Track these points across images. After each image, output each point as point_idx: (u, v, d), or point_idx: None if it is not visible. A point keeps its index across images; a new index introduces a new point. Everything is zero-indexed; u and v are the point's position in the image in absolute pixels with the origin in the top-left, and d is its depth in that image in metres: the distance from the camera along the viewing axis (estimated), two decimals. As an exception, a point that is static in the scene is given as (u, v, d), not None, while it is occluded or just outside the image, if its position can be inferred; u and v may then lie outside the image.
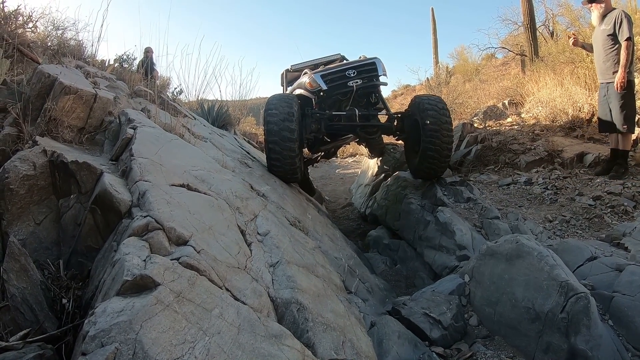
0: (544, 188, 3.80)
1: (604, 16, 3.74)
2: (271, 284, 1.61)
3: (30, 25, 4.99)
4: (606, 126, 3.76)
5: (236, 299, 1.39)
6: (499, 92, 6.68)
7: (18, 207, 1.66)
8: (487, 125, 5.32)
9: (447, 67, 9.74)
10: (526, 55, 7.85)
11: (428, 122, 3.98)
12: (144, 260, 1.22)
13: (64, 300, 1.45)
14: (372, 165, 7.11)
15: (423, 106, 4.10)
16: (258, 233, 1.99)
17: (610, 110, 3.70)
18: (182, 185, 1.83)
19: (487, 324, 2.47)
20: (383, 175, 6.40)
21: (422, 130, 4.05)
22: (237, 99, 10.25)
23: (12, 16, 4.39)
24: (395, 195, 5.16)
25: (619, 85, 3.54)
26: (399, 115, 4.50)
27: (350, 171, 9.33)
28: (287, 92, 5.65)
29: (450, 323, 2.42)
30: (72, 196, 1.70)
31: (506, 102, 6.21)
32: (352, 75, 4.23)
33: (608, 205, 3.24)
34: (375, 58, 4.48)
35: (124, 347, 0.95)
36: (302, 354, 1.27)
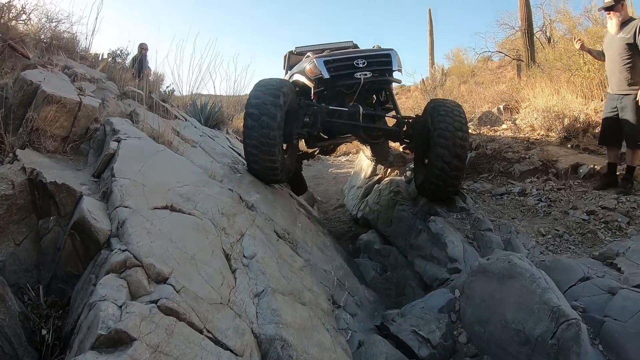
0: (537, 200, 3.78)
1: (622, 24, 3.58)
2: (255, 318, 1.56)
3: (24, 17, 4.84)
4: (609, 139, 3.69)
5: (217, 342, 1.33)
6: (494, 97, 6.64)
7: None
8: (481, 131, 5.28)
9: (442, 69, 9.67)
10: (522, 60, 7.82)
11: (438, 130, 3.46)
12: (120, 307, 1.16)
13: (44, 331, 1.41)
14: (365, 167, 7.05)
15: (436, 111, 3.59)
16: (244, 256, 1.93)
17: (619, 124, 3.57)
18: (166, 207, 1.76)
19: (476, 342, 2.45)
20: (376, 178, 6.35)
21: (430, 140, 3.55)
22: (232, 94, 10.12)
23: (5, 8, 4.22)
24: (387, 200, 5.11)
25: None
26: (410, 120, 3.98)
27: (343, 171, 9.28)
28: (287, 76, 5.06)
29: (439, 342, 2.40)
30: (51, 218, 1.64)
31: (501, 107, 6.18)
32: (361, 65, 3.68)
33: (602, 220, 3.23)
34: (391, 50, 3.92)
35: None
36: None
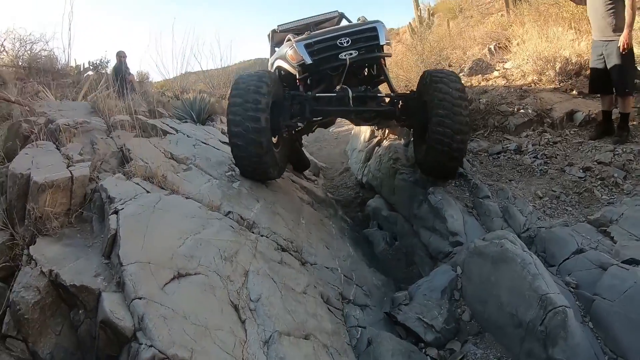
0: (533, 157, 3.79)
1: None
2: None
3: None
4: (599, 87, 3.62)
5: None
6: (484, 37, 6.27)
7: (37, 328, 1.84)
8: (473, 82, 5.09)
9: (428, 8, 8.95)
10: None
11: (436, 103, 3.32)
12: None
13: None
14: (363, 128, 6.96)
15: (430, 79, 3.45)
16: (250, 299, 2.12)
17: (607, 71, 3.50)
18: (173, 278, 1.93)
19: (478, 320, 2.67)
20: (376, 140, 6.31)
21: (429, 114, 3.41)
22: (220, 67, 9.86)
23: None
24: (387, 168, 5.15)
25: (624, 45, 3.32)
26: (404, 97, 3.77)
27: (344, 129, 9.18)
28: (270, 60, 4.91)
29: (442, 327, 2.63)
30: (80, 311, 1.84)
31: (492, 46, 5.87)
32: (345, 44, 3.45)
33: (598, 177, 3.27)
34: (377, 22, 3.68)
35: None
36: None
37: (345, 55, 3.44)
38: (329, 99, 3.59)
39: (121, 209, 2.18)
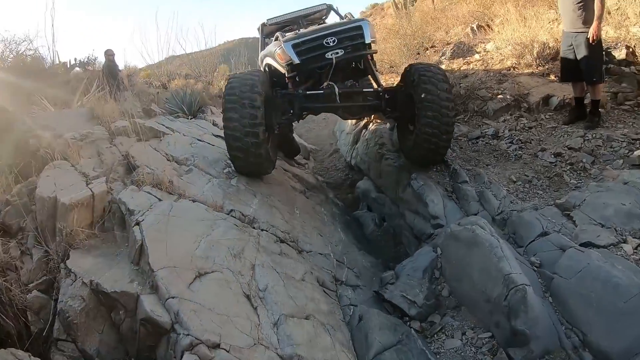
0: (509, 142, 4.09)
1: None
2: (278, 344, 2.16)
3: None
4: (569, 75, 3.88)
5: None
6: (466, 16, 6.38)
7: (83, 330, 2.19)
8: (454, 67, 5.29)
9: None
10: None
11: (423, 95, 3.54)
12: None
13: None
14: (351, 110, 7.10)
15: (418, 78, 3.62)
16: (259, 289, 2.47)
17: (577, 60, 3.75)
18: (196, 277, 2.28)
19: (456, 296, 3.04)
20: (362, 124, 6.51)
21: (417, 107, 3.63)
22: (204, 48, 9.81)
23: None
24: (374, 153, 5.40)
25: (593, 37, 3.55)
26: (390, 91, 3.93)
27: (331, 109, 9.29)
28: (260, 55, 5.10)
29: (423, 302, 2.99)
30: (120, 312, 2.19)
31: (474, 26, 6.01)
32: (331, 44, 3.58)
33: (567, 162, 3.58)
34: (363, 20, 3.84)
35: None
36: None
37: (331, 55, 3.58)
38: (316, 95, 3.75)
39: (142, 221, 2.48)
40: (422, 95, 3.56)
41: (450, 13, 6.97)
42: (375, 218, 5.12)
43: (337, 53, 3.58)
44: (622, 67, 4.29)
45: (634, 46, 4.40)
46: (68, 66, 5.73)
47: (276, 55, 3.81)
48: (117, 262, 2.36)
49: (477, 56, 5.40)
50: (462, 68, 5.32)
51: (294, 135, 6.78)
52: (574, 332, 2.43)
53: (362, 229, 4.96)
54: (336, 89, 3.65)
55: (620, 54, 4.37)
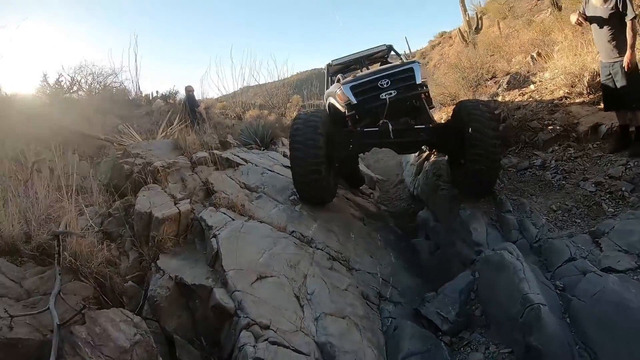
0: (554, 173, 4.25)
1: None
2: (315, 334, 2.81)
3: (75, 88, 6.27)
4: (612, 104, 3.96)
5: (298, 351, 2.62)
6: (526, 45, 6.51)
7: (166, 313, 3.01)
8: (508, 98, 5.52)
9: (477, 13, 9.11)
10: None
11: (471, 133, 3.78)
12: (253, 346, 2.51)
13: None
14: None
15: (466, 115, 3.90)
16: (307, 293, 3.18)
17: (617, 89, 3.89)
18: (257, 279, 3.08)
19: (486, 315, 3.35)
20: (424, 155, 6.95)
21: (466, 149, 3.89)
22: (277, 79, 11.04)
23: (63, 85, 5.70)
24: (432, 183, 5.83)
25: (627, 65, 3.71)
26: (440, 127, 4.26)
27: (402, 140, 9.80)
28: (325, 93, 5.79)
29: (454, 319, 3.38)
30: (196, 301, 3.06)
31: (534, 54, 6.13)
32: (385, 86, 4.00)
33: (607, 191, 3.66)
34: (414, 62, 4.22)
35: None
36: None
37: (385, 96, 4.04)
38: (372, 132, 4.17)
39: (218, 234, 3.39)
40: (470, 132, 3.82)
41: (513, 41, 7.11)
42: (431, 246, 5.47)
43: (391, 94, 4.02)
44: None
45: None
46: (150, 98, 7.01)
47: (337, 96, 4.35)
48: (196, 264, 3.22)
49: (532, 87, 5.56)
50: (516, 99, 5.53)
51: (361, 166, 7.48)
52: (587, 352, 2.61)
53: (416, 256, 5.36)
54: (390, 127, 4.04)
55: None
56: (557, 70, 5.10)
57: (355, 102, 4.10)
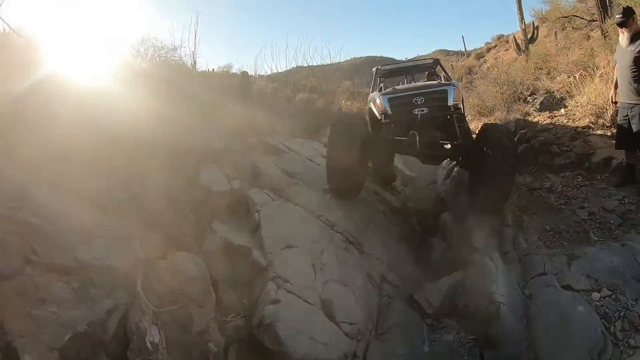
0: (558, 197, 4.68)
1: (632, 38, 4.00)
2: (321, 292, 3.73)
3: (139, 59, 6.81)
4: (625, 144, 4.25)
5: (307, 302, 3.61)
6: (571, 66, 6.59)
7: (216, 263, 4.17)
8: (539, 119, 5.84)
9: (533, 23, 8.96)
10: (595, 20, 6.87)
11: (488, 154, 4.10)
12: (275, 292, 3.54)
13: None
14: (448, 146, 8.03)
15: (486, 139, 4.27)
16: (322, 263, 4.09)
17: (631, 130, 4.15)
18: (285, 247, 4.03)
19: (467, 308, 4.05)
20: (454, 162, 7.41)
21: (486, 170, 4.21)
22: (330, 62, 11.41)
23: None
24: (455, 190, 6.40)
25: None
26: (464, 145, 4.55)
27: (441, 140, 10.15)
28: (370, 95, 6.23)
29: (438, 305, 4.12)
30: (238, 257, 4.12)
31: (577, 75, 6.28)
32: (419, 102, 4.37)
33: (597, 221, 4.09)
34: (449, 85, 4.59)
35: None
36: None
37: (417, 112, 4.42)
38: (401, 141, 4.55)
39: (260, 210, 4.38)
40: (488, 154, 4.20)
41: (562, 59, 7.16)
42: (444, 246, 6.11)
43: (423, 111, 4.40)
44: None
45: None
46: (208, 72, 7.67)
47: (375, 104, 4.83)
48: (241, 230, 4.18)
49: (562, 110, 5.82)
50: (545, 121, 5.84)
51: (398, 163, 8.05)
52: (532, 349, 3.26)
53: (428, 253, 6.02)
54: (417, 138, 4.36)
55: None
56: (586, 98, 5.33)
57: (391, 112, 4.57)
